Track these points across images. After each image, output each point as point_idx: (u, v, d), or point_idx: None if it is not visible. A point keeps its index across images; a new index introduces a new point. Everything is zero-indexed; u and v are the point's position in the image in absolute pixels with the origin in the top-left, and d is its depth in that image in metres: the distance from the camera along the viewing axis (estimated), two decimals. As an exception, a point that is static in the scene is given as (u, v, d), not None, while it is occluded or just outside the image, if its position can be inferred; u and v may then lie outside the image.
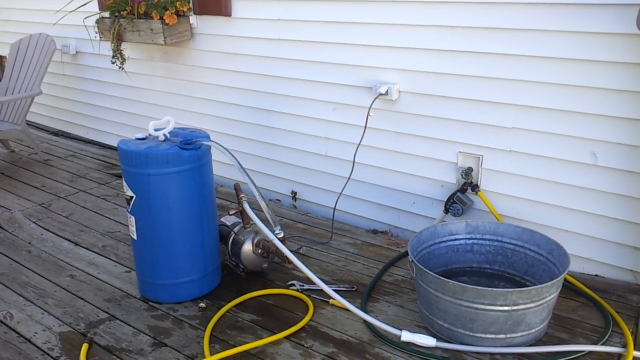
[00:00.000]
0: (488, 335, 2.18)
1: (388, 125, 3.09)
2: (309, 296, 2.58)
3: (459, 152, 2.89)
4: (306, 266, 2.35)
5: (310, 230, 3.29)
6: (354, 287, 2.66)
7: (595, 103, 2.45)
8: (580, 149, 2.54)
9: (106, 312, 2.52)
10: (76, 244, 3.16)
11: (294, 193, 3.68)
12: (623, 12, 2.27)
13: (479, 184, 2.86)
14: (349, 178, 3.16)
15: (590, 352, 2.17)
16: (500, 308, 2.11)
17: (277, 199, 3.77)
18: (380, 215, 3.31)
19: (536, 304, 2.13)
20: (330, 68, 3.23)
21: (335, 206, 3.21)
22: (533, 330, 2.20)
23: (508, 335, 2.17)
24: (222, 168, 3.48)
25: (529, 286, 2.14)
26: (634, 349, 2.19)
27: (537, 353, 2.17)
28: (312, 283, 2.37)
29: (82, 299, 2.63)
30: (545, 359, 2.14)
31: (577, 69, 2.45)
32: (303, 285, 2.66)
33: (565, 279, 2.46)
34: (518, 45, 2.56)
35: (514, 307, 2.11)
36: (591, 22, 2.36)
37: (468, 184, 2.87)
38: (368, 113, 3.04)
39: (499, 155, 2.78)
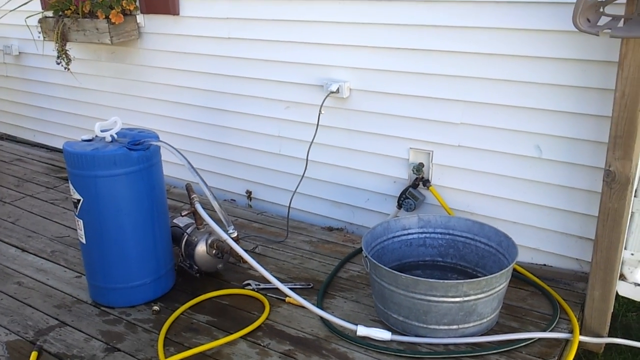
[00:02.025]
0: (441, 327, 2.22)
1: (340, 122, 3.11)
2: (265, 295, 2.58)
3: (410, 148, 2.93)
4: (261, 265, 2.35)
5: (265, 229, 3.28)
6: (310, 285, 2.67)
7: (539, 98, 2.53)
8: (526, 143, 2.62)
9: (56, 319, 2.46)
10: (23, 250, 3.07)
11: (248, 192, 3.66)
12: (561, 10, 2.35)
13: (430, 179, 2.91)
14: (302, 176, 3.17)
15: (539, 339, 2.24)
16: (452, 299, 2.16)
17: (232, 199, 3.75)
18: (335, 213, 3.33)
19: (486, 294, 2.18)
20: (281, 66, 3.22)
21: (290, 204, 3.22)
22: (485, 320, 2.26)
23: (461, 326, 2.22)
24: (174, 169, 3.44)
25: (479, 277, 2.19)
26: (580, 334, 2.27)
27: (489, 342, 2.22)
28: (268, 282, 2.37)
29: (30, 306, 2.56)
30: (497, 348, 2.19)
31: (521, 65, 2.52)
32: (259, 285, 2.66)
33: (514, 269, 2.53)
34: (465, 42, 2.62)
35: (466, 298, 2.16)
36: (533, 20, 2.42)
37: (420, 179, 2.92)
38: (320, 111, 3.05)
39: (448, 151, 2.83)
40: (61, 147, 2.46)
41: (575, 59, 2.39)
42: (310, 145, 3.12)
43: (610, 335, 2.41)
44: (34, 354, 2.19)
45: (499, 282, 2.21)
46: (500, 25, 2.52)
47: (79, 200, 2.41)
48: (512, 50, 2.52)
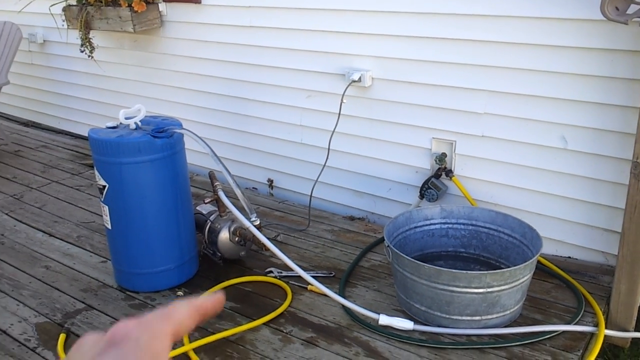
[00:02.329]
0: (464, 318, 2.22)
1: (362, 112, 3.10)
2: (287, 283, 2.59)
3: (433, 138, 2.92)
4: (284, 253, 2.36)
5: (287, 217, 3.30)
6: (331, 273, 2.68)
7: (565, 88, 2.49)
8: (551, 134, 2.59)
9: (83, 302, 2.50)
10: (50, 235, 3.12)
11: (270, 181, 3.67)
12: (589, -2, 2.31)
13: (452, 170, 2.89)
14: (324, 165, 3.17)
15: (563, 332, 2.23)
16: (475, 290, 2.15)
17: (253, 187, 3.76)
18: (357, 202, 3.33)
19: (510, 285, 2.17)
20: (303, 55, 3.22)
21: (311, 193, 3.22)
22: (508, 312, 2.25)
23: (484, 317, 2.22)
24: (197, 157, 3.46)
25: (503, 269, 2.18)
26: (606, 328, 2.25)
27: (512, 334, 2.22)
28: (290, 270, 2.38)
29: (57, 289, 2.60)
30: (520, 340, 2.18)
31: (546, 54, 2.49)
32: (281, 272, 2.67)
33: (538, 261, 2.51)
34: (489, 31, 2.59)
35: (489, 290, 2.15)
36: (558, 9, 2.39)
37: (442, 170, 2.90)
38: (342, 100, 3.04)
39: (471, 141, 2.81)
40: (85, 134, 2.49)
41: (602, 48, 2.35)
42: (332, 134, 3.11)
43: (636, 330, 2.38)
44: (62, 336, 2.23)
45: (523, 274, 2.20)
46: (524, 14, 2.48)
47: (104, 187, 2.44)
48: (536, 39, 2.49)
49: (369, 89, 3.03)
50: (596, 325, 2.26)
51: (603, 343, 2.21)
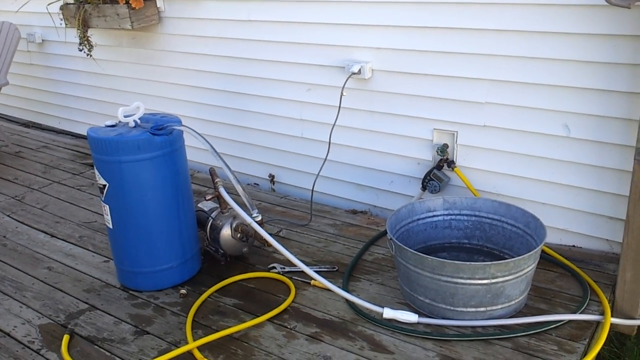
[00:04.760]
0: (469, 309, 2.20)
1: (362, 104, 3.08)
2: (290, 278, 2.58)
3: (434, 129, 2.90)
4: (286, 248, 2.35)
5: (289, 212, 3.28)
6: (335, 268, 2.67)
7: (566, 75, 2.47)
8: (553, 122, 2.56)
9: (86, 303, 2.50)
10: (52, 236, 3.11)
11: (271, 176, 3.66)
12: (592, -17, 2.28)
13: (454, 160, 2.87)
14: (325, 159, 3.15)
15: (569, 321, 2.21)
16: (480, 281, 2.13)
17: (255, 183, 3.75)
18: (359, 195, 3.31)
19: (514, 276, 2.16)
20: (302, 48, 3.20)
21: (313, 188, 3.21)
22: (513, 302, 2.23)
23: (488, 308, 2.20)
24: (198, 154, 3.45)
25: (507, 259, 2.16)
26: (612, 316, 2.24)
27: (518, 324, 2.20)
28: (293, 265, 2.37)
29: (60, 290, 2.60)
30: (525, 330, 2.17)
31: (548, 41, 2.46)
32: (284, 268, 2.66)
33: (543, 251, 2.50)
34: (489, 20, 2.56)
35: (493, 280, 2.13)
36: (560, -6, 2.37)
37: (444, 161, 2.88)
38: (342, 93, 3.02)
39: (473, 131, 2.79)
40: (85, 134, 2.47)
41: (605, 34, 2.33)
42: (333, 127, 3.09)
43: (642, 317, 2.37)
44: (66, 337, 2.23)
45: (527, 264, 2.18)
46: (524, 1, 2.45)
47: (104, 186, 2.43)
48: (537, 26, 2.46)
49: (369, 80, 3.01)
50: (602, 313, 2.24)
51: (609, 331, 2.20)
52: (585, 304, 2.29)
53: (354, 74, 2.97)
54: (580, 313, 2.25)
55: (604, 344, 2.15)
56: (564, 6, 2.37)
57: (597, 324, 2.22)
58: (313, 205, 3.22)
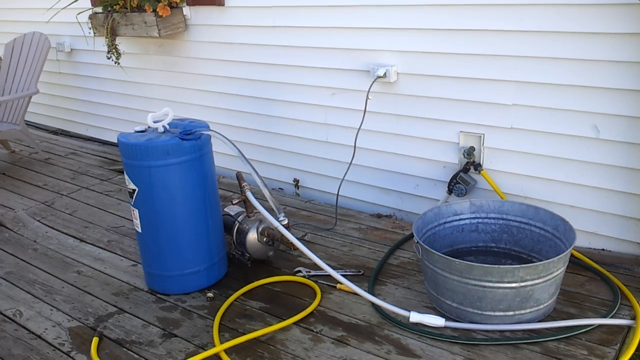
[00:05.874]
0: (497, 313, 2.18)
1: (388, 108, 3.08)
2: (316, 282, 2.58)
3: (460, 131, 2.88)
4: (312, 252, 2.35)
5: (314, 217, 3.29)
6: (360, 271, 2.66)
7: (595, 76, 2.43)
8: (582, 123, 2.53)
9: (114, 306, 2.53)
10: (81, 240, 3.17)
11: (296, 181, 3.67)
12: (620, -18, 2.25)
13: (481, 163, 2.85)
14: (350, 163, 3.15)
15: (599, 326, 2.17)
16: (508, 285, 2.11)
17: (280, 188, 3.77)
18: (384, 199, 3.30)
19: (544, 279, 2.13)
20: (327, 53, 3.21)
21: (338, 192, 3.21)
22: (542, 306, 2.20)
23: (517, 312, 2.17)
24: (223, 159, 3.48)
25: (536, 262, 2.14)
26: (643, 320, 2.19)
27: (547, 329, 2.17)
28: (319, 269, 2.37)
29: (90, 294, 2.64)
30: (555, 335, 2.14)
31: (575, 42, 2.43)
32: (309, 272, 2.66)
33: (572, 254, 2.46)
34: (515, 21, 2.54)
35: (522, 284, 2.11)
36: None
37: (471, 164, 2.86)
38: (367, 97, 3.02)
39: (500, 133, 2.76)
40: (113, 141, 2.52)
41: (635, 32, 2.29)
42: (358, 131, 3.09)
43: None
44: (95, 340, 2.26)
45: (557, 267, 2.15)
46: (552, 1, 2.43)
47: (134, 190, 2.46)
48: (566, 26, 2.43)
49: (395, 84, 3.01)
50: (633, 318, 2.20)
51: (642, 337, 2.15)
52: (616, 308, 2.25)
53: (379, 77, 2.97)
54: (611, 317, 2.20)
55: (636, 349, 2.10)
56: (591, 5, 2.34)
57: (629, 329, 2.18)
58: (338, 210, 3.22)
